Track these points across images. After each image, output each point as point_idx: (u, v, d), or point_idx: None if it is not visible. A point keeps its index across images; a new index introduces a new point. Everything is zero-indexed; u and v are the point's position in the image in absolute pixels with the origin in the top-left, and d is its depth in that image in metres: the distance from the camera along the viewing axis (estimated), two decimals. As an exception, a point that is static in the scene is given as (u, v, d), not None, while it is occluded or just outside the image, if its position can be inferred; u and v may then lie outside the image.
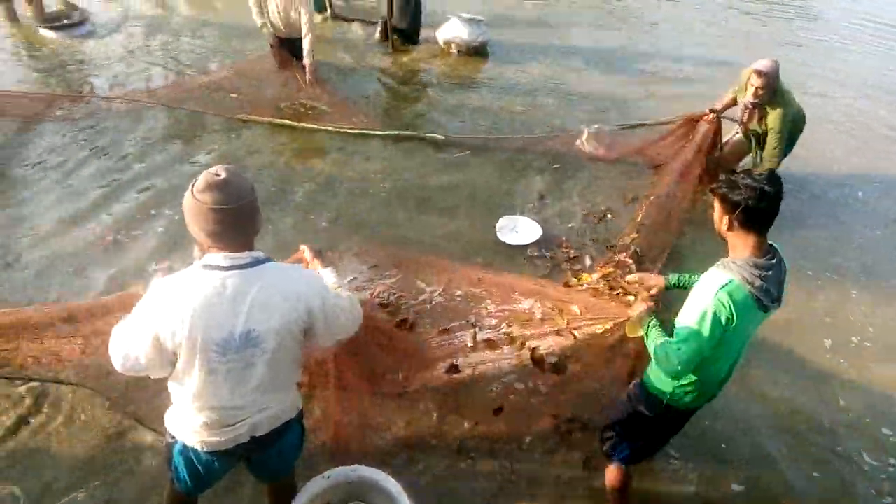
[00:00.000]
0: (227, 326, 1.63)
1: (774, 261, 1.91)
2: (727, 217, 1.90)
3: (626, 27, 8.06)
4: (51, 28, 6.39)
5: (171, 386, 1.78)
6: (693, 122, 4.54)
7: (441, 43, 6.75)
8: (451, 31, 6.65)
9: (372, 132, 5.10)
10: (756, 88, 4.08)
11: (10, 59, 6.04)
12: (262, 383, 1.75)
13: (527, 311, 2.68)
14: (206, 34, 6.81)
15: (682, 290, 2.29)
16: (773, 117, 4.14)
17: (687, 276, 2.35)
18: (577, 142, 4.74)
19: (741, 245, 1.91)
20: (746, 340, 2.02)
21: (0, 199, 4.12)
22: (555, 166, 4.84)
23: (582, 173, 4.78)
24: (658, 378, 2.13)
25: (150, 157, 4.65)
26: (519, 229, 4.08)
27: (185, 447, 1.84)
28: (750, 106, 4.22)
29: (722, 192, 1.89)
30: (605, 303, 2.51)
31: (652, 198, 4.19)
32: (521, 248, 3.93)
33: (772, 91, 4.09)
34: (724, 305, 1.84)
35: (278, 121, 5.14)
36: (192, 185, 1.61)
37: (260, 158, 4.75)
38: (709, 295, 1.87)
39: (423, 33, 6.91)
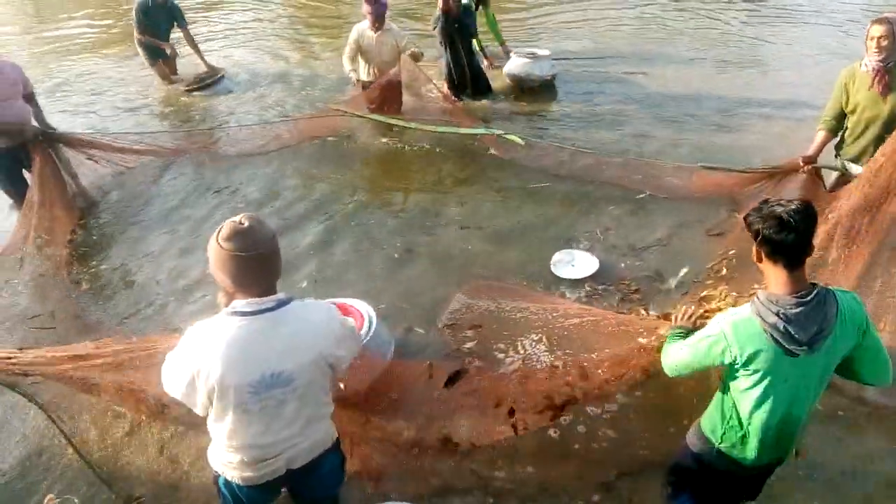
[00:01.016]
0: (258, 369, 1.70)
1: (810, 300, 1.67)
2: (754, 247, 1.76)
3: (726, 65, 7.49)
4: (193, 90, 6.87)
5: (209, 424, 1.84)
6: (784, 174, 3.80)
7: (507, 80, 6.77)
8: (513, 67, 6.67)
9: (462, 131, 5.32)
10: (878, 40, 3.25)
11: (155, 115, 6.59)
12: (295, 419, 1.82)
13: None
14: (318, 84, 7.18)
15: None
16: None
17: None
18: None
19: (772, 279, 1.74)
20: (793, 391, 1.76)
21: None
22: (638, 196, 4.60)
23: (656, 207, 4.50)
24: (708, 418, 1.99)
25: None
26: (575, 263, 3.94)
27: (227, 481, 1.91)
28: (879, 70, 3.32)
29: (749, 219, 1.75)
30: None
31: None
32: (579, 283, 3.76)
33: None
34: (723, 336, 1.75)
35: (381, 118, 5.46)
36: (217, 233, 1.70)
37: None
38: (719, 319, 1.80)
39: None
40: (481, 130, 5.37)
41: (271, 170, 5.31)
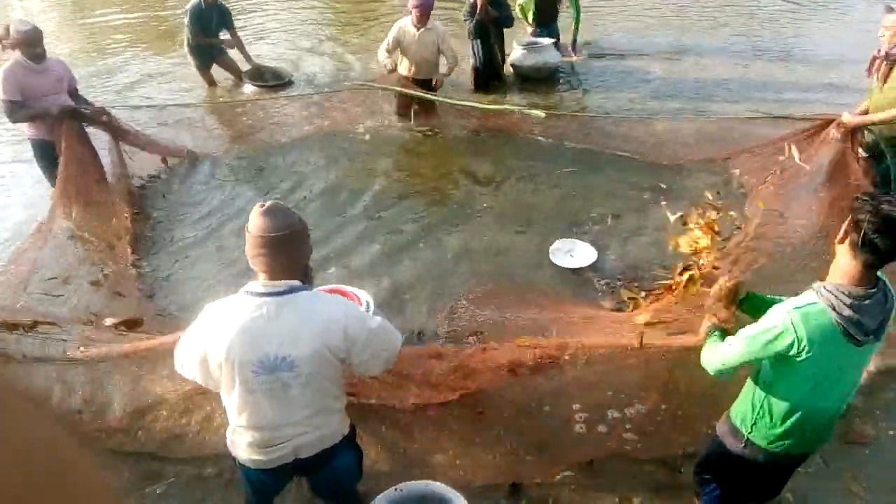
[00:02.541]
0: (262, 350, 1.73)
1: (876, 291, 1.67)
2: (846, 228, 1.67)
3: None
4: (253, 84, 6.68)
5: (223, 403, 1.90)
6: (820, 127, 3.74)
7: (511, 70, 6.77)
8: (515, 57, 6.66)
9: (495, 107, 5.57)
10: (883, 29, 3.29)
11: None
12: (302, 406, 1.83)
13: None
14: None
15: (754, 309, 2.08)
16: None
17: (770, 298, 2.12)
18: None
19: (842, 266, 1.69)
20: (839, 380, 1.78)
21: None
22: (660, 186, 4.67)
23: (676, 195, 4.54)
24: (740, 410, 1.98)
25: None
26: (575, 253, 4.05)
27: (241, 463, 1.97)
28: (880, 57, 3.38)
29: (856, 204, 1.66)
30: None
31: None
32: (578, 273, 3.87)
33: None
34: (792, 328, 1.66)
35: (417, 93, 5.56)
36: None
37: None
38: (782, 310, 1.71)
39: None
40: (504, 107, 5.62)
41: (300, 156, 5.46)
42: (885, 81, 3.41)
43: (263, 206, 1.80)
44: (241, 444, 1.90)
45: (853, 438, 2.69)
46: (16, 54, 4.07)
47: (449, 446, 2.70)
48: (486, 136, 5.69)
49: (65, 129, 4.19)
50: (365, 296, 3.38)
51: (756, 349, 1.76)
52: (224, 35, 6.70)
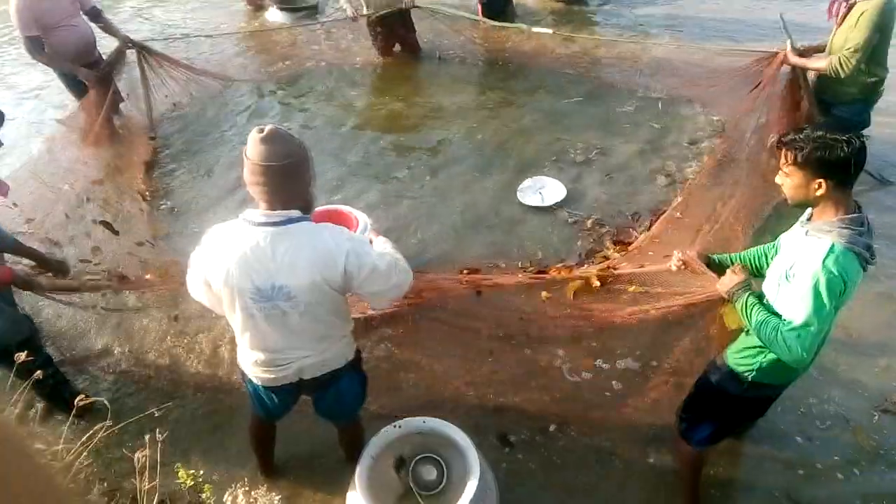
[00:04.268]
0: (259, 278, 1.70)
1: (863, 212, 1.68)
2: (820, 181, 1.64)
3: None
4: (281, 9, 6.67)
5: (231, 325, 1.89)
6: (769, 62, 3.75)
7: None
8: None
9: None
10: None
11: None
12: (300, 332, 1.82)
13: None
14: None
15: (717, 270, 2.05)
16: (868, 4, 3.16)
17: (737, 255, 2.12)
18: None
19: (832, 206, 1.68)
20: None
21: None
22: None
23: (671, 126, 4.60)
24: (740, 354, 1.96)
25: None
26: (544, 191, 4.08)
27: (250, 379, 2.01)
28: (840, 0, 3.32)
29: (817, 155, 1.62)
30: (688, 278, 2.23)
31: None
32: (548, 210, 3.93)
33: None
34: (835, 275, 1.62)
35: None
36: None
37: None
38: (813, 267, 1.64)
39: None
40: (509, 24, 5.69)
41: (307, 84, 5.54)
42: (840, 23, 3.35)
43: (262, 130, 1.66)
44: (248, 362, 1.93)
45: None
46: None
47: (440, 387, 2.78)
48: (485, 65, 5.77)
49: (94, 93, 4.29)
50: (364, 218, 3.40)
51: (827, 314, 1.66)
52: None
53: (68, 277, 2.98)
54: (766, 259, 2.04)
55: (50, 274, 2.91)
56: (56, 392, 2.72)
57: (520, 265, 3.50)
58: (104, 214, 3.72)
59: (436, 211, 4.04)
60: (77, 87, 4.39)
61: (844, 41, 3.27)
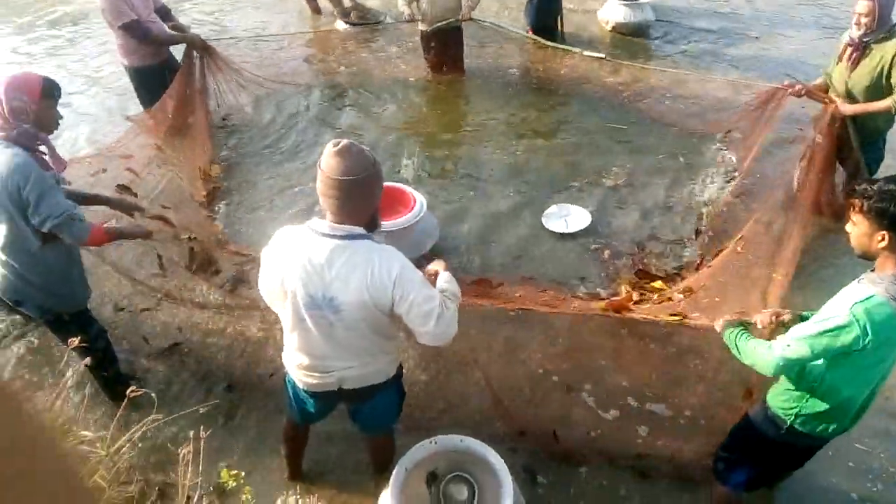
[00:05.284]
0: (313, 286, 1.75)
1: None
2: (884, 234, 1.65)
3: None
4: (346, 22, 6.66)
5: (282, 324, 1.94)
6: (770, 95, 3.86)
7: (601, 22, 6.70)
8: (609, 9, 6.58)
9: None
10: (859, 16, 3.30)
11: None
12: (345, 344, 1.85)
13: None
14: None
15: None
16: (890, 49, 3.25)
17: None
18: None
19: (893, 261, 1.67)
20: (890, 367, 1.78)
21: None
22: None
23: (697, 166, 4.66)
24: (781, 399, 1.95)
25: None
26: (568, 217, 4.15)
27: (291, 380, 2.07)
28: (853, 44, 3.39)
29: (879, 206, 1.63)
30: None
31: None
32: (571, 237, 4.01)
33: (883, 23, 3.29)
34: (857, 322, 1.61)
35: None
36: None
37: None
38: (842, 307, 1.65)
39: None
40: (563, 46, 5.75)
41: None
42: (855, 66, 3.44)
43: (338, 144, 1.71)
44: (292, 363, 1.98)
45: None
46: None
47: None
48: (529, 88, 5.84)
49: (189, 59, 4.45)
50: (420, 198, 3.62)
51: (820, 349, 1.69)
52: None
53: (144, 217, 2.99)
54: None
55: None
56: (105, 367, 2.76)
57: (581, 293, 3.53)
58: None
59: (455, 227, 4.13)
60: (153, 95, 4.41)
61: (871, 81, 3.37)
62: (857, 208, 1.69)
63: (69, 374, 2.57)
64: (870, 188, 1.66)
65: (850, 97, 3.55)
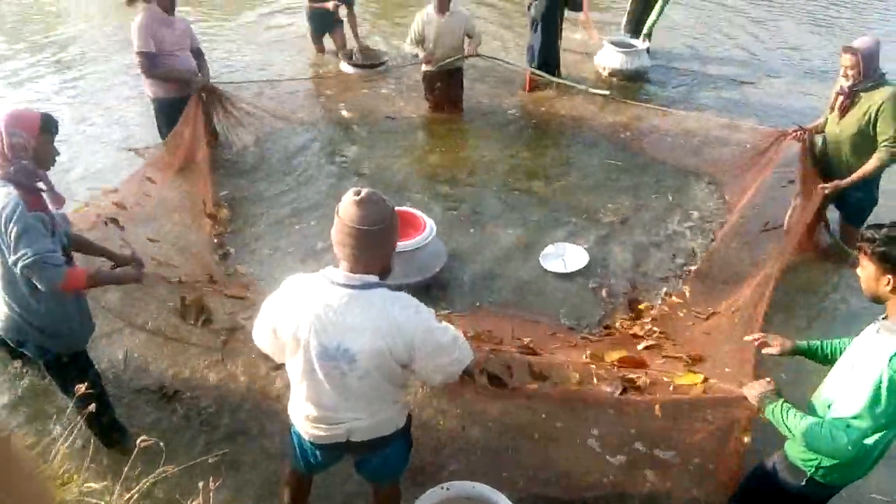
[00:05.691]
0: (327, 337, 1.73)
1: None
2: (889, 278, 1.69)
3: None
4: (353, 65, 6.71)
5: (288, 374, 1.92)
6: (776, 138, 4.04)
7: (597, 67, 6.84)
8: (605, 55, 6.70)
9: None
10: (845, 69, 3.47)
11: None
12: (357, 394, 1.82)
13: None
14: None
15: (810, 357, 2.10)
16: (882, 96, 3.41)
17: (827, 343, 2.11)
18: None
19: None
20: None
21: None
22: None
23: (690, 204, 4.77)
24: (800, 450, 1.93)
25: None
26: (566, 257, 4.19)
27: (297, 432, 2.03)
28: (843, 93, 3.55)
29: (881, 250, 1.69)
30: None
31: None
32: (569, 277, 4.04)
33: (869, 73, 3.44)
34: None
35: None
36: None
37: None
38: (880, 364, 1.65)
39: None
40: (568, 82, 5.91)
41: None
42: (844, 114, 3.61)
43: (359, 193, 1.70)
44: (299, 415, 1.94)
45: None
46: (150, 7, 4.36)
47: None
48: (527, 126, 6.00)
49: (196, 98, 4.51)
50: (431, 222, 3.74)
51: (888, 412, 1.65)
52: (342, 10, 6.74)
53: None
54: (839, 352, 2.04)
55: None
56: (100, 413, 2.60)
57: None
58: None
59: (455, 265, 4.16)
60: (170, 124, 4.52)
61: (858, 130, 3.54)
62: (864, 252, 1.75)
63: (70, 420, 2.52)
64: (876, 234, 1.71)
65: (839, 145, 3.70)
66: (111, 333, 3.38)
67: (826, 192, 3.71)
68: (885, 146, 3.48)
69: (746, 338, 2.27)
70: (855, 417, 1.68)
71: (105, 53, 7.35)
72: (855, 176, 3.67)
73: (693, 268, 4.08)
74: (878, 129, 3.47)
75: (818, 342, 2.14)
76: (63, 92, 6.46)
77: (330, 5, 6.64)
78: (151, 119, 4.92)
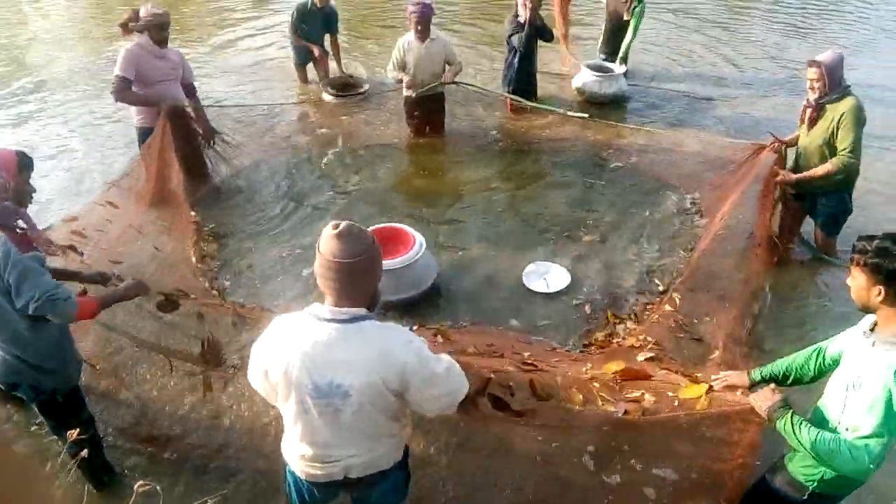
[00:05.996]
0: (318, 375, 1.69)
1: None
2: (880, 288, 1.72)
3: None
4: (333, 94, 6.69)
5: (283, 416, 1.89)
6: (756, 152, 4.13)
7: (574, 91, 6.88)
8: (582, 80, 6.75)
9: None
10: (811, 82, 3.61)
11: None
12: (352, 430, 1.79)
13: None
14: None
15: (781, 384, 2.10)
16: (844, 107, 3.56)
17: (781, 365, 2.14)
18: None
19: (895, 316, 1.73)
20: None
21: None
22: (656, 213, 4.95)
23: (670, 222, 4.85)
24: (801, 465, 1.96)
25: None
26: (549, 276, 4.23)
27: (292, 471, 1.98)
28: (810, 105, 3.71)
29: (874, 261, 1.71)
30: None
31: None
32: (549, 297, 4.08)
33: (834, 85, 3.57)
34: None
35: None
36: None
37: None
38: (885, 378, 1.67)
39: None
40: (547, 107, 5.99)
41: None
42: (812, 126, 3.76)
43: (337, 226, 1.69)
44: (294, 455, 1.90)
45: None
46: (141, 37, 4.35)
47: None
48: (506, 148, 6.10)
49: (164, 122, 4.39)
50: (420, 238, 3.75)
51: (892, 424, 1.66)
52: (325, 39, 6.82)
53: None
54: (810, 366, 2.08)
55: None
56: (92, 454, 2.52)
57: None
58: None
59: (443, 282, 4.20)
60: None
61: (824, 140, 3.68)
62: (856, 263, 1.78)
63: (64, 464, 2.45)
64: (868, 245, 1.74)
65: (808, 156, 3.83)
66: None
67: (776, 181, 3.92)
68: (841, 154, 3.63)
69: (713, 377, 2.27)
70: (871, 437, 1.69)
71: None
72: (804, 175, 3.86)
73: (677, 281, 4.14)
74: (838, 138, 3.61)
75: (780, 367, 2.15)
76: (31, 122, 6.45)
77: (316, 52, 6.75)
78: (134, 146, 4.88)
